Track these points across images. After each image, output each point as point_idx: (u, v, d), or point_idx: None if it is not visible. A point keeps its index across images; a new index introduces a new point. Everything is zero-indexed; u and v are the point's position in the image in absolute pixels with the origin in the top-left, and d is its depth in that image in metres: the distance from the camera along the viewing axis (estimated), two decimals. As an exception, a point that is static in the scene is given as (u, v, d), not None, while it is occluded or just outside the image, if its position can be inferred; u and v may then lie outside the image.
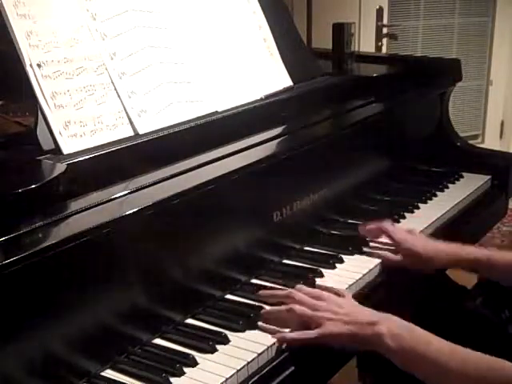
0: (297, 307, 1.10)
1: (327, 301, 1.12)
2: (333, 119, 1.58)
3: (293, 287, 1.19)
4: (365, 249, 1.41)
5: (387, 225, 1.43)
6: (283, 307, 1.12)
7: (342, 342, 1.06)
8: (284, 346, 1.08)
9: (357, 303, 1.15)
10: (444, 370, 0.98)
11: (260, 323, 1.12)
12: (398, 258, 1.37)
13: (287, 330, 1.10)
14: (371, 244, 1.43)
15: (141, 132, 1.21)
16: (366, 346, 1.06)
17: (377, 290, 1.32)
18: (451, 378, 0.98)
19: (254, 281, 1.28)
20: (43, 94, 1.10)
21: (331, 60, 1.85)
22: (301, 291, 1.15)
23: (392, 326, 1.03)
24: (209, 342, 1.06)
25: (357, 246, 1.41)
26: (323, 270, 1.30)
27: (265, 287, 1.25)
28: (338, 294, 1.16)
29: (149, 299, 1.08)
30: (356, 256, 1.39)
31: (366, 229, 1.46)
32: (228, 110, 1.38)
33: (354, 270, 1.33)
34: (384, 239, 1.43)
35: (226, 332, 1.09)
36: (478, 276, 1.63)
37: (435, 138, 1.94)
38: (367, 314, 1.09)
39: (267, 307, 1.16)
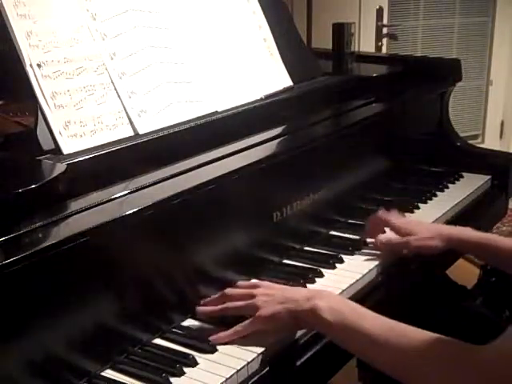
0: (230, 304, 1.10)
1: (262, 286, 1.12)
2: (333, 119, 1.58)
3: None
4: (365, 249, 1.41)
5: (387, 214, 1.44)
6: (217, 308, 1.12)
7: (279, 322, 1.05)
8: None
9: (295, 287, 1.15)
10: (376, 343, 0.97)
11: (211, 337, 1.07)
12: (401, 240, 1.38)
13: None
14: (371, 243, 1.43)
15: (141, 132, 1.21)
16: (303, 323, 1.05)
17: (377, 289, 1.32)
18: (380, 350, 0.97)
19: (254, 281, 1.28)
20: (43, 94, 1.10)
21: (331, 60, 1.85)
22: (234, 287, 1.16)
23: (329, 301, 1.03)
24: (209, 342, 1.06)
25: (357, 246, 1.41)
26: (323, 270, 1.30)
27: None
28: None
29: (149, 299, 1.08)
30: (356, 256, 1.39)
31: (370, 221, 1.46)
32: (228, 110, 1.38)
33: (353, 269, 1.33)
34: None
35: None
36: (479, 276, 1.64)
37: (435, 137, 1.94)
38: (303, 291, 1.10)
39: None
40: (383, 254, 1.38)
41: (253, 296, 1.09)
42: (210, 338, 1.06)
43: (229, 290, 1.14)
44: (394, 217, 1.44)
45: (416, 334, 0.95)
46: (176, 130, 1.25)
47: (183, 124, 1.27)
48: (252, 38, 1.53)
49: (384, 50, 3.55)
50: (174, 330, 1.12)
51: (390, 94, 1.71)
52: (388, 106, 1.70)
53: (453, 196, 1.74)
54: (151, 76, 1.27)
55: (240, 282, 1.19)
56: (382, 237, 1.41)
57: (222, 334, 1.06)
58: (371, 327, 0.98)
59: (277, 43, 1.56)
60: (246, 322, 1.07)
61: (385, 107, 1.68)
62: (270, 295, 1.08)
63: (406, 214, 1.60)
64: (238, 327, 1.06)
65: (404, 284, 1.39)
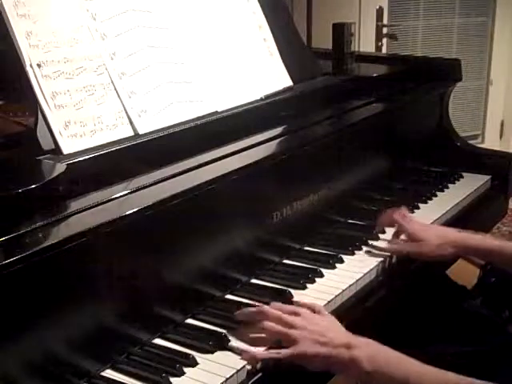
0: (269, 324, 1.07)
1: (302, 317, 1.08)
2: (333, 119, 1.58)
3: (291, 290, 1.19)
4: (365, 249, 1.41)
5: (397, 215, 1.45)
6: (255, 326, 1.08)
7: (315, 364, 1.02)
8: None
9: (333, 320, 1.11)
10: None
11: (231, 343, 1.07)
12: (409, 246, 1.38)
13: (261, 348, 1.06)
14: (371, 243, 1.43)
15: (141, 132, 1.21)
16: (340, 369, 1.03)
17: (377, 290, 1.32)
18: None
19: (253, 281, 1.28)
20: (43, 94, 1.10)
21: (331, 60, 1.85)
22: (274, 307, 1.11)
23: (368, 350, 1.01)
24: (209, 342, 1.06)
25: (357, 246, 1.41)
26: (323, 270, 1.30)
27: (265, 287, 1.25)
28: (312, 309, 1.13)
29: (149, 299, 1.08)
30: (356, 256, 1.39)
31: (380, 220, 1.48)
32: (228, 110, 1.38)
33: (353, 270, 1.33)
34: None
35: (227, 332, 1.09)
36: (478, 276, 1.64)
37: (435, 137, 1.94)
38: (342, 335, 1.05)
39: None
40: (383, 255, 1.39)
41: (291, 325, 1.06)
42: (245, 357, 1.03)
43: (268, 310, 1.10)
44: (406, 217, 1.44)
45: None
46: (176, 129, 1.25)
47: (183, 124, 1.27)
48: (252, 38, 1.53)
49: (384, 50, 3.55)
50: (173, 329, 1.12)
51: (390, 94, 1.71)
52: (388, 106, 1.70)
53: (453, 196, 1.74)
54: (151, 76, 1.27)
55: (276, 304, 1.13)
56: (394, 246, 1.41)
57: (258, 355, 1.04)
58: (416, 378, 0.97)
59: (277, 43, 1.56)
60: (284, 351, 1.03)
61: (385, 107, 1.69)
62: (309, 331, 1.04)
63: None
64: (274, 353, 1.03)
65: (404, 284, 1.39)
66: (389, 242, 1.44)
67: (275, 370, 1.04)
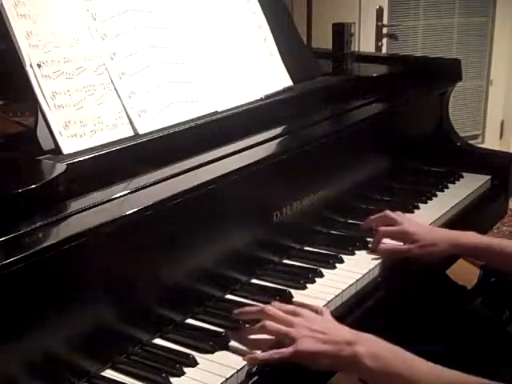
0: (270, 323, 1.06)
1: (303, 317, 1.07)
2: (333, 119, 1.58)
3: (291, 290, 1.19)
4: (365, 249, 1.41)
5: (390, 213, 1.44)
6: (256, 326, 1.08)
7: (317, 361, 1.01)
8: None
9: (333, 320, 1.10)
10: None
11: (231, 344, 1.06)
12: (403, 247, 1.38)
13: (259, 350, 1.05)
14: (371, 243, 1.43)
15: (141, 132, 1.21)
16: (342, 366, 1.02)
17: (377, 290, 1.32)
18: None
19: (253, 281, 1.28)
20: (43, 94, 1.10)
21: (331, 60, 1.85)
22: (275, 307, 1.10)
23: (370, 346, 1.00)
24: (209, 342, 1.06)
25: (357, 246, 1.41)
26: (323, 270, 1.30)
27: (265, 287, 1.25)
28: (314, 310, 1.12)
29: (149, 299, 1.08)
30: (356, 256, 1.39)
31: (370, 219, 1.46)
32: (228, 110, 1.37)
33: (353, 270, 1.33)
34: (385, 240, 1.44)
35: (226, 332, 1.09)
36: (479, 276, 1.64)
37: (435, 137, 1.94)
38: (345, 333, 1.04)
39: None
40: (383, 255, 1.39)
41: (291, 324, 1.05)
42: (246, 358, 1.02)
43: (269, 309, 1.09)
44: (398, 219, 1.43)
45: None
46: (176, 129, 1.25)
47: (183, 124, 1.27)
48: (252, 38, 1.53)
49: (384, 50, 3.55)
50: (173, 329, 1.12)
51: (390, 94, 1.71)
52: (388, 106, 1.70)
53: (453, 196, 1.74)
54: (151, 76, 1.27)
55: (277, 304, 1.12)
56: (383, 245, 1.40)
57: (260, 356, 1.03)
58: (417, 375, 0.96)
59: (277, 43, 1.56)
60: (285, 351, 1.02)
61: (385, 107, 1.68)
62: (310, 330, 1.03)
63: (407, 215, 1.59)
64: (275, 354, 1.02)
65: (404, 284, 1.39)
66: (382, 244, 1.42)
67: (276, 370, 1.04)
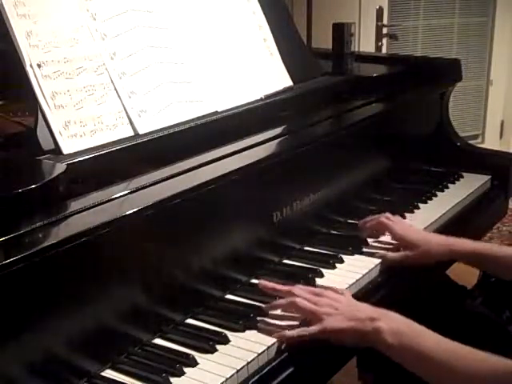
0: (298, 300, 1.11)
1: (327, 297, 1.13)
2: (333, 119, 1.58)
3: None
4: (365, 249, 1.41)
5: (385, 218, 1.44)
6: (283, 301, 1.13)
7: (342, 338, 1.07)
8: (283, 346, 1.07)
9: (356, 300, 1.15)
10: (446, 369, 0.97)
11: (260, 324, 1.12)
12: (397, 255, 1.38)
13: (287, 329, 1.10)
14: (371, 243, 1.43)
15: (141, 132, 1.21)
16: (365, 342, 1.06)
17: (377, 289, 1.32)
18: (457, 378, 0.97)
19: (254, 281, 1.28)
20: (43, 94, 1.10)
21: (331, 60, 1.85)
22: (301, 288, 1.16)
23: (392, 323, 1.04)
24: (209, 342, 1.06)
25: (357, 246, 1.41)
26: (323, 270, 1.30)
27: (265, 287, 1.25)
28: (337, 291, 1.17)
29: (149, 299, 1.08)
30: (356, 256, 1.39)
31: (364, 225, 1.47)
32: (228, 110, 1.38)
33: (353, 270, 1.33)
34: (384, 238, 1.44)
35: (226, 332, 1.09)
36: (479, 276, 1.64)
37: (435, 138, 1.94)
38: (367, 309, 1.10)
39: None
40: (384, 254, 1.39)
41: (318, 304, 1.11)
42: (275, 336, 1.07)
43: (297, 290, 1.14)
44: (397, 223, 1.43)
45: (481, 362, 0.95)
46: (176, 129, 1.25)
47: (183, 124, 1.27)
48: (252, 38, 1.53)
49: (384, 50, 3.55)
50: (173, 329, 1.12)
51: (390, 94, 1.71)
52: (388, 106, 1.70)
53: (453, 196, 1.74)
54: (151, 76, 1.27)
55: (301, 286, 1.18)
56: (377, 254, 1.40)
57: (288, 333, 1.08)
58: (433, 350, 0.99)
59: (277, 43, 1.56)
60: (312, 328, 1.07)
61: (385, 107, 1.68)
62: (334, 308, 1.09)
63: (407, 215, 1.60)
64: (303, 331, 1.08)
65: (404, 284, 1.39)
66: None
67: (275, 372, 1.04)
